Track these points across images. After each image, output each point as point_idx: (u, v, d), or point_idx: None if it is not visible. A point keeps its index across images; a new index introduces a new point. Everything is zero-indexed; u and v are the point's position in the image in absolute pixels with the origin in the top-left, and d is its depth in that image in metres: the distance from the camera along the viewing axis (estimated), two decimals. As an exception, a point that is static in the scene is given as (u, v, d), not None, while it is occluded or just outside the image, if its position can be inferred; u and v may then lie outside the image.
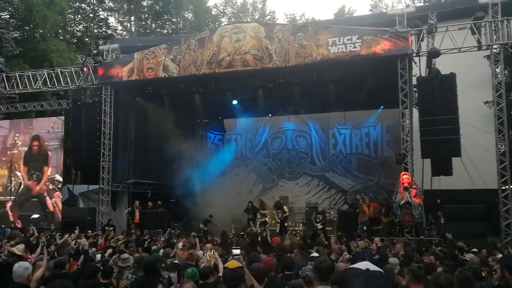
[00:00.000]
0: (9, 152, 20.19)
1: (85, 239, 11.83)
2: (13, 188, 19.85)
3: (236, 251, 6.27)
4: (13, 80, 19.64)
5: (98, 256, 8.61)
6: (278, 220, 17.12)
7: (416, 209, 13.64)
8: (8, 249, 7.66)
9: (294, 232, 16.61)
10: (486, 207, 13.80)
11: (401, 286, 5.34)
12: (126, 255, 7.05)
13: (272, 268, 5.36)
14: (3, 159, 20.32)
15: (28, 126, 20.36)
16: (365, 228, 15.87)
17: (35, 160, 19.75)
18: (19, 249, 7.19)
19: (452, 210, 14.05)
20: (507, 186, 13.98)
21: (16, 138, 20.15)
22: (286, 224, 16.94)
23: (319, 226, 16.12)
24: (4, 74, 19.78)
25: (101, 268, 6.33)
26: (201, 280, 5.68)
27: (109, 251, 9.18)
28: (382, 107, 20.17)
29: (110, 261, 7.69)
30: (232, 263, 3.76)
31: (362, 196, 19.26)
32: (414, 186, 13.95)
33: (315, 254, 7.53)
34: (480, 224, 13.35)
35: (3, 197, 19.91)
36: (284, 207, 17.60)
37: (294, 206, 20.59)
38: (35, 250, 8.71)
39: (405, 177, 13.95)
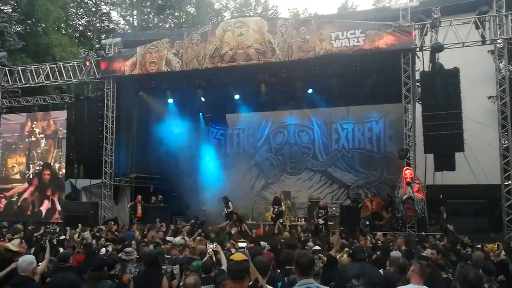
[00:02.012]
0: (26, 139, 20.10)
1: (88, 232, 11.89)
2: (31, 175, 19.76)
3: (242, 244, 6.29)
4: (16, 74, 19.65)
5: (103, 250, 8.63)
6: (273, 215, 17.07)
7: (418, 204, 13.63)
8: (3, 245, 7.62)
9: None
10: (488, 202, 13.79)
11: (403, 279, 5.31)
12: (130, 249, 7.08)
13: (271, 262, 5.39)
14: (21, 146, 20.25)
15: (46, 115, 20.37)
16: (367, 223, 15.87)
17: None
18: (14, 244, 7.16)
19: (454, 205, 14.05)
20: (510, 182, 13.95)
21: (34, 125, 20.08)
22: (281, 220, 16.81)
23: (321, 221, 16.04)
24: (6, 68, 19.78)
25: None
26: (204, 274, 5.69)
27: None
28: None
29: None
30: (238, 256, 3.77)
31: (364, 191, 19.25)
32: (416, 181, 13.93)
33: (317, 248, 7.56)
34: (482, 219, 13.33)
35: (21, 184, 19.80)
36: (283, 203, 17.55)
37: (296, 201, 20.59)
38: (34, 245, 8.76)
39: (407, 172, 13.93)
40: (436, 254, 7.79)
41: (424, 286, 4.37)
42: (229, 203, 17.72)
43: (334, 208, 18.34)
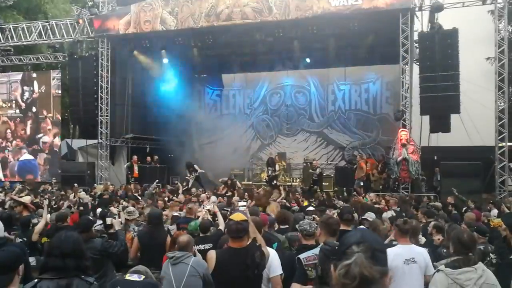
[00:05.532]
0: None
1: (84, 192, 11.98)
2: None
3: (242, 203, 6.37)
4: (8, 32, 19.26)
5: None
6: (266, 177, 17.11)
7: (413, 166, 13.75)
8: (15, 198, 7.85)
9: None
10: (482, 164, 13.90)
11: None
12: (132, 208, 7.14)
13: (266, 223, 5.48)
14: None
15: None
16: (362, 184, 16.05)
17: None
18: (25, 199, 7.37)
19: (448, 167, 14.14)
20: (504, 143, 14.05)
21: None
22: (274, 182, 16.81)
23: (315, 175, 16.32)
24: (-2, 26, 19.38)
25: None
26: (202, 233, 5.77)
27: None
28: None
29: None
30: (238, 216, 3.85)
31: (359, 153, 19.37)
32: (411, 143, 14.01)
33: (311, 208, 7.67)
34: (476, 180, 13.46)
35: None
36: (277, 164, 17.49)
37: (292, 162, 20.74)
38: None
39: (403, 134, 13.98)
40: (422, 216, 7.84)
41: (412, 245, 4.45)
42: (195, 165, 16.54)
43: (323, 167, 18.44)
